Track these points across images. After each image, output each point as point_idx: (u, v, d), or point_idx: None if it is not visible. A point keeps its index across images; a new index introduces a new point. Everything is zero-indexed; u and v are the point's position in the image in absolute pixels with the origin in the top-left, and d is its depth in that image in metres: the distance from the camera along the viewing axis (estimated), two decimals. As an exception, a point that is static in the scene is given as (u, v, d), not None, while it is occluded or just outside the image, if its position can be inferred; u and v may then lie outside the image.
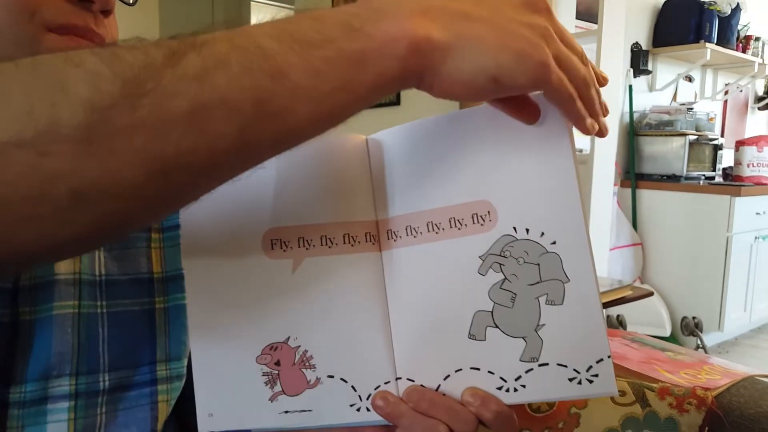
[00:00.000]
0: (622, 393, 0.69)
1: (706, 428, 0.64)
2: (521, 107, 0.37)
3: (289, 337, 0.41)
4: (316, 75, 0.29)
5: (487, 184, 0.39)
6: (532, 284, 0.39)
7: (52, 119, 0.24)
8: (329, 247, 0.41)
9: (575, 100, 0.35)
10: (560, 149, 0.38)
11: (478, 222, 0.39)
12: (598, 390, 0.38)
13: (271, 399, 0.42)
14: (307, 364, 0.41)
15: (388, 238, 0.42)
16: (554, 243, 0.38)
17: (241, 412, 0.42)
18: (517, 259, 0.39)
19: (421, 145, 0.41)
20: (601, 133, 0.37)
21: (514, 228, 0.39)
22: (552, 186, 0.38)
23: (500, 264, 0.39)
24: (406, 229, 0.41)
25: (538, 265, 0.38)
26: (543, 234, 0.38)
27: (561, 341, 0.38)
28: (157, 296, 0.51)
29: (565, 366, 0.38)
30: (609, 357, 0.38)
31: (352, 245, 0.41)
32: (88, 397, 0.46)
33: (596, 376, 0.38)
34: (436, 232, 0.40)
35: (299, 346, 0.41)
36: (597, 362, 0.38)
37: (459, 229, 0.40)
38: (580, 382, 0.38)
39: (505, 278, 0.39)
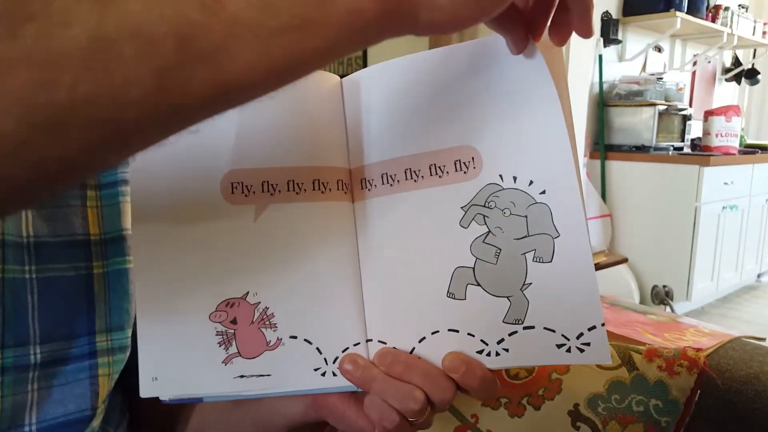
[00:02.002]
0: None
1: (698, 391, 0.59)
2: (513, 28, 0.33)
3: (247, 293, 0.38)
4: (265, 6, 0.23)
5: (471, 128, 0.36)
6: (519, 239, 0.35)
7: None
8: (297, 193, 0.37)
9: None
10: (545, 93, 0.35)
11: (461, 169, 0.36)
12: (589, 359, 0.35)
13: (225, 362, 0.37)
14: (268, 323, 0.37)
15: (362, 188, 0.39)
16: (543, 193, 0.35)
17: (190, 377, 0.37)
18: (503, 210, 0.36)
19: (401, 86, 0.38)
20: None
21: (500, 176, 0.36)
22: (540, 131, 0.35)
23: (484, 216, 0.36)
24: (382, 176, 0.38)
25: (526, 217, 0.35)
26: (532, 183, 0.35)
27: (549, 303, 0.35)
28: (95, 260, 0.45)
29: (553, 331, 0.35)
30: (603, 325, 0.34)
31: (322, 192, 0.38)
32: (17, 371, 0.40)
33: (588, 345, 0.34)
34: (415, 180, 0.37)
35: (259, 303, 0.38)
36: (589, 329, 0.34)
37: (440, 176, 0.37)
38: (569, 350, 0.35)
39: (489, 231, 0.36)
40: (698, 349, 0.62)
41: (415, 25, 0.28)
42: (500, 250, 0.35)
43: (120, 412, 0.48)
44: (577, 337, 0.34)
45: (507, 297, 0.35)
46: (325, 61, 0.27)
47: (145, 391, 0.37)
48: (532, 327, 0.35)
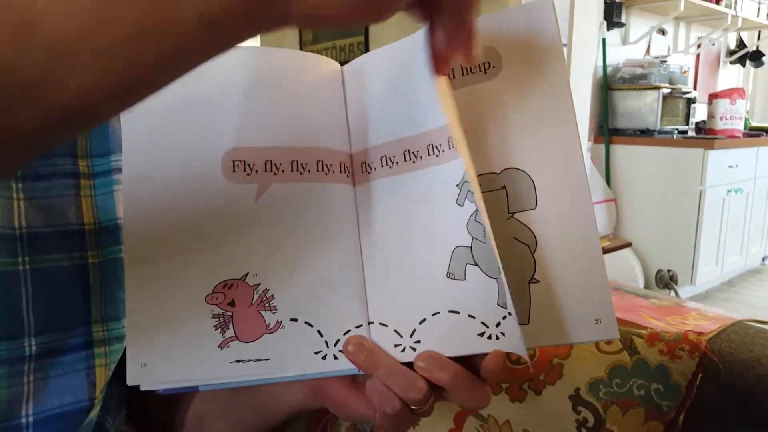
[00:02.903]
0: (608, 341, 0.63)
1: (700, 374, 0.59)
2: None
3: (247, 274, 0.36)
4: (92, 22, 0.20)
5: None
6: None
7: None
8: (300, 173, 0.36)
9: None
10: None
11: (453, 146, 0.35)
12: (505, 348, 0.34)
13: (221, 346, 0.36)
14: (267, 305, 0.36)
15: (363, 171, 0.38)
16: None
17: (183, 362, 0.36)
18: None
19: (400, 68, 0.37)
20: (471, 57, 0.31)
21: None
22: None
23: (473, 192, 0.34)
24: (382, 159, 0.38)
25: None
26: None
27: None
28: (89, 250, 0.45)
29: (474, 317, 0.35)
30: (510, 314, 0.34)
31: (325, 174, 0.37)
32: (11, 364, 0.40)
33: (503, 334, 0.34)
34: (413, 161, 0.37)
35: (259, 285, 0.36)
36: (503, 318, 0.34)
37: (437, 156, 0.36)
38: (489, 337, 0.35)
39: (477, 209, 0.34)
40: (700, 333, 0.62)
41: (285, 19, 0.25)
42: (485, 227, 0.35)
43: (118, 401, 0.48)
44: (496, 325, 0.34)
45: (495, 279, 0.34)
46: (184, 69, 0.24)
47: (133, 378, 0.35)
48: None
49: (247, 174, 0.36)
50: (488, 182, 0.36)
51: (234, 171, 0.36)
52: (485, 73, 0.36)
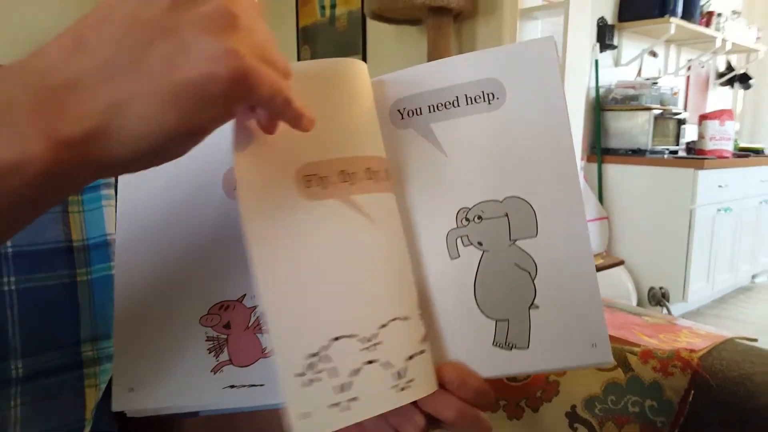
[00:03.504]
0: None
1: (692, 391, 0.61)
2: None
3: (244, 295, 0.35)
4: None
5: None
6: None
7: None
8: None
9: (289, 101, 0.28)
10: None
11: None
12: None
13: (215, 370, 0.35)
14: (264, 328, 0.34)
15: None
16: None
17: (172, 387, 0.34)
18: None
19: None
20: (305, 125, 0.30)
21: None
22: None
23: None
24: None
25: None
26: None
27: None
28: (78, 268, 0.44)
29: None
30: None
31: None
32: None
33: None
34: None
35: (256, 306, 0.35)
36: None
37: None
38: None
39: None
40: (692, 350, 0.64)
41: (100, 171, 0.24)
42: None
43: (110, 419, 0.47)
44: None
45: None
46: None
47: (120, 403, 0.34)
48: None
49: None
50: (491, 209, 0.37)
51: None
52: (489, 103, 0.37)
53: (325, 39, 2.89)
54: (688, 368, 0.61)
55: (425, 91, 0.38)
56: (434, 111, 0.38)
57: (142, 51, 0.23)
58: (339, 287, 0.32)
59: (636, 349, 0.65)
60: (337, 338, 0.31)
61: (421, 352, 0.34)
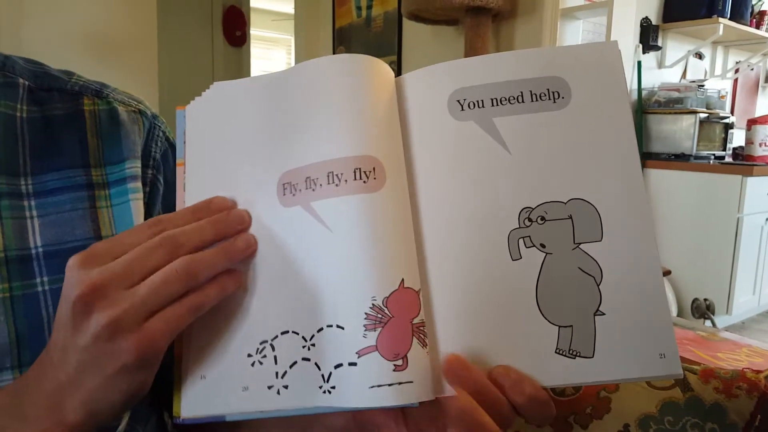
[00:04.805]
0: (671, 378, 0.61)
1: (758, 416, 0.56)
2: None
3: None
4: None
5: None
6: None
7: None
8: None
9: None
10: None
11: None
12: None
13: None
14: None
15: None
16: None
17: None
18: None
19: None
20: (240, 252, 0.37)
21: None
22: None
23: None
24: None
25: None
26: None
27: None
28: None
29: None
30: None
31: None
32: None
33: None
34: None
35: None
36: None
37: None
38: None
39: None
40: (758, 371, 0.59)
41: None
42: None
43: (148, 407, 0.47)
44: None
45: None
46: None
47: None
48: None
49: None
50: (555, 211, 0.36)
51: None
52: (554, 102, 0.37)
53: (361, 40, 2.88)
54: (754, 390, 0.57)
55: (488, 84, 0.37)
56: (497, 105, 0.37)
57: (88, 365, 0.32)
58: (290, 289, 0.36)
59: (695, 367, 0.60)
60: (284, 332, 0.36)
61: (353, 364, 0.34)
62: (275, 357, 0.36)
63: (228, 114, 0.39)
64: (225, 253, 0.35)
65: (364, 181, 0.35)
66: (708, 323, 2.60)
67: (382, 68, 0.38)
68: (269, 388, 0.35)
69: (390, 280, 0.34)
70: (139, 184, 0.47)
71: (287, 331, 0.36)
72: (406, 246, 0.35)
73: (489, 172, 0.36)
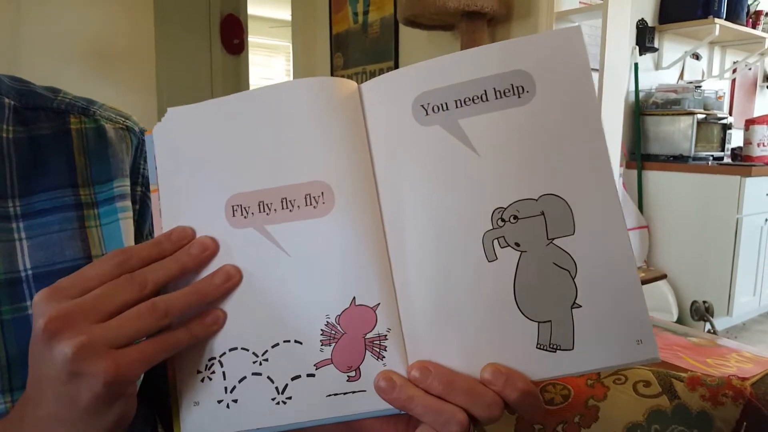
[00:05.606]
0: (647, 383, 0.61)
1: (744, 423, 0.56)
2: None
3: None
4: None
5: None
6: None
7: None
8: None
9: (180, 341, 0.35)
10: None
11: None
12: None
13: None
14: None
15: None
16: None
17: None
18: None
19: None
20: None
21: None
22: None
23: None
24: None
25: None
26: None
27: None
28: None
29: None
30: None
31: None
32: None
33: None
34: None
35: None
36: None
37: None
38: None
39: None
40: (743, 378, 0.59)
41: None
42: None
43: (144, 421, 0.47)
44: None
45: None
46: None
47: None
48: None
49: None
50: (527, 208, 0.36)
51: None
52: (519, 97, 0.36)
53: (358, 46, 2.89)
54: (740, 398, 0.57)
55: (451, 85, 0.37)
56: (462, 106, 0.37)
57: (63, 398, 0.32)
58: (244, 307, 0.37)
59: (683, 374, 0.61)
60: (232, 349, 0.37)
61: (311, 375, 0.36)
62: (223, 373, 0.37)
63: (184, 139, 0.39)
64: (197, 294, 0.35)
65: (314, 206, 0.36)
66: (707, 326, 2.59)
67: (344, 88, 0.38)
68: (220, 402, 0.37)
69: (341, 299, 0.36)
70: (128, 203, 0.47)
71: (236, 348, 0.37)
72: (359, 264, 0.36)
73: (459, 176, 0.36)
